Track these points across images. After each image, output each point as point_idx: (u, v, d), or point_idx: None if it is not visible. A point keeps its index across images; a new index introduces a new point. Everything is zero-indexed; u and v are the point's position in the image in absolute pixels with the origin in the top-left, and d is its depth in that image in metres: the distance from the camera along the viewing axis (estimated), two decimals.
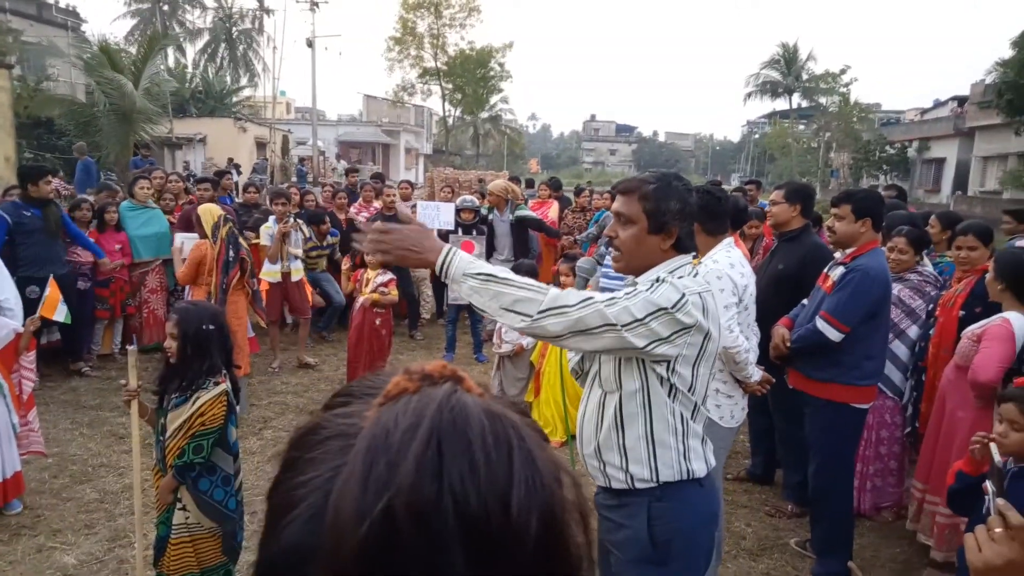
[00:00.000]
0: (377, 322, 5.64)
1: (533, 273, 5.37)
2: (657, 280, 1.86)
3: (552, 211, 9.36)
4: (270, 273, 6.32)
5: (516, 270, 5.38)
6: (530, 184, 11.05)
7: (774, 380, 3.18)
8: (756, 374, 3.04)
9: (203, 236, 4.99)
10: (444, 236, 7.02)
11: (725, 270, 2.92)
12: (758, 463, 4.53)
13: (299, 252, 6.48)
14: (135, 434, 2.70)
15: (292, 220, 6.45)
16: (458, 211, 7.08)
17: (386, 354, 5.87)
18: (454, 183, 20.52)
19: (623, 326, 1.73)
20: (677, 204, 1.91)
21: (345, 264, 6.14)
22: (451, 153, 51.73)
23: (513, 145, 65.30)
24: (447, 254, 1.73)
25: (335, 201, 8.42)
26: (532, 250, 8.43)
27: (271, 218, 6.51)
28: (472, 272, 1.72)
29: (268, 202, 7.11)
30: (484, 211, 7.47)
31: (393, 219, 1.98)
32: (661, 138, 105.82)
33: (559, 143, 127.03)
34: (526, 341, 5.28)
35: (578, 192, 9.84)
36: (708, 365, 1.89)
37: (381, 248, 1.73)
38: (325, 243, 7.21)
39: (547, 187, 9.95)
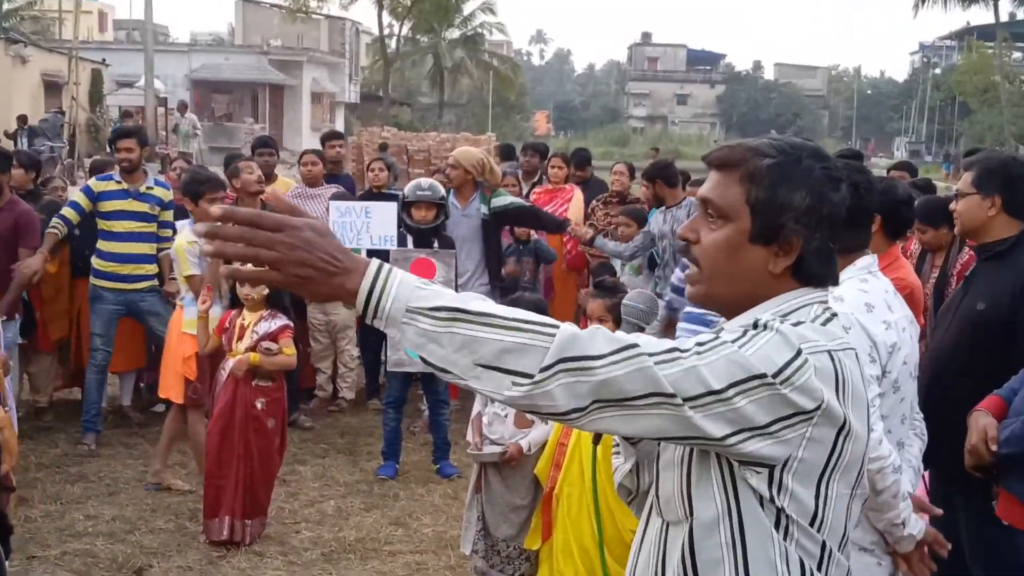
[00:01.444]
0: (259, 404, 5.70)
1: (541, 311, 5.42)
2: (756, 326, 1.89)
3: (574, 207, 9.51)
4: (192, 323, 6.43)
5: (513, 305, 5.42)
6: (535, 152, 11.14)
7: (949, 545, 3.10)
8: (916, 524, 2.97)
9: None
10: (382, 256, 7.09)
11: (857, 316, 2.95)
12: None
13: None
14: None
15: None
16: (407, 207, 7.15)
17: (274, 465, 5.90)
18: (399, 156, 20.90)
19: (687, 400, 1.75)
20: (808, 198, 1.95)
21: (203, 299, 6.16)
22: (396, 102, 52.32)
23: (504, 87, 65.87)
24: (378, 275, 1.74)
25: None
26: (524, 272, 8.61)
27: (185, 224, 6.78)
28: (425, 307, 1.72)
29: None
30: (453, 203, 7.63)
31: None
32: (768, 75, 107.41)
33: (586, 83, 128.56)
34: (528, 437, 5.31)
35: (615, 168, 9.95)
36: (848, 480, 1.91)
37: (266, 259, 1.71)
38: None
39: (562, 161, 10.17)
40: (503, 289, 7.82)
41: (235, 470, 5.62)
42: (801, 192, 1.95)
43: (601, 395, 1.73)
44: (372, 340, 8.71)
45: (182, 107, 30.54)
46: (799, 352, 1.81)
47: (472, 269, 7.64)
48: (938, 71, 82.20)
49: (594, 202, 9.73)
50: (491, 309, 1.75)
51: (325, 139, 10.14)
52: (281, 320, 5.83)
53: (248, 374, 5.67)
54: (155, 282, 7.50)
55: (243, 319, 5.82)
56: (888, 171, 9.50)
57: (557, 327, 1.75)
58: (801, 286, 1.99)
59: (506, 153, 12.75)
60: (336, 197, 8.08)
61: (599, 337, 1.76)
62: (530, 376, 1.71)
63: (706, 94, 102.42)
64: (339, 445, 7.78)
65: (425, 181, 7.40)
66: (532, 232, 8.65)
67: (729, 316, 2.03)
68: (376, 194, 8.75)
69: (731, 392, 1.76)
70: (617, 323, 5.06)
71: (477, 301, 1.76)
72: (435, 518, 6.35)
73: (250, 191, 7.27)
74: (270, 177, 8.69)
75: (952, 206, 4.27)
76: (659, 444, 2.04)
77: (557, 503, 4.92)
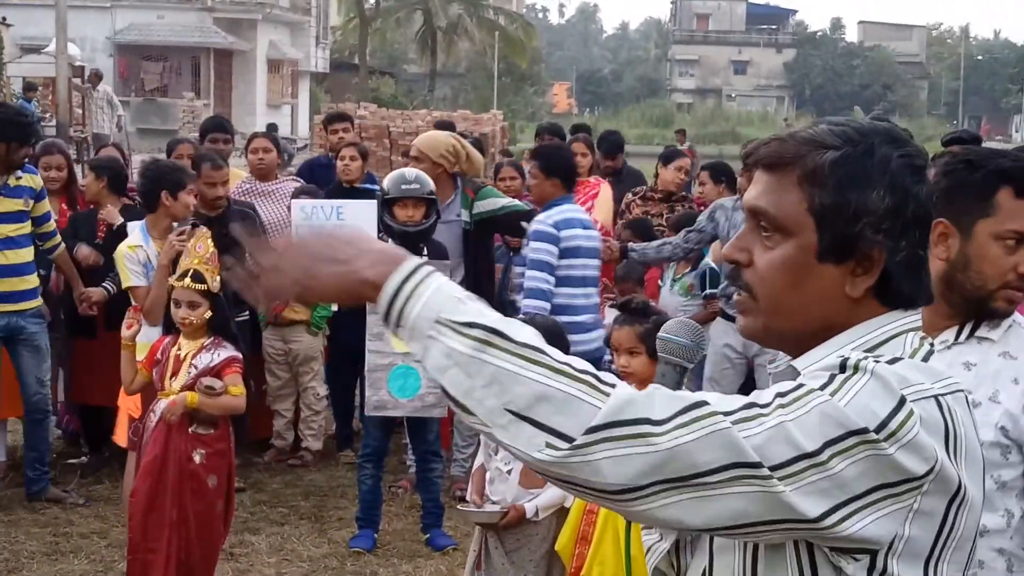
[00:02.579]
0: (197, 458, 5.70)
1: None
2: (843, 368, 1.88)
3: (601, 205, 9.54)
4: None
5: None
6: (553, 135, 11.14)
7: None
8: None
9: None
10: None
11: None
12: None
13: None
14: None
15: (189, 226, 6.83)
16: (388, 205, 7.19)
17: (217, 535, 5.89)
18: (379, 140, 20.89)
19: (775, 469, 1.74)
20: (887, 197, 1.95)
21: (128, 322, 6.20)
22: (375, 72, 52.49)
23: (513, 53, 66.09)
24: (413, 273, 1.79)
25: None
26: (507, 286, 8.60)
27: (136, 226, 6.98)
28: (458, 321, 1.74)
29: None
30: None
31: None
32: (851, 36, 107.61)
33: (618, 48, 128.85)
34: (536, 500, 5.32)
35: (668, 158, 9.93)
36: (960, 561, 1.90)
37: (274, 267, 1.86)
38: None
39: (586, 147, 10.24)
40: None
41: (166, 541, 5.58)
42: (878, 190, 1.94)
43: (665, 471, 1.72)
44: (343, 375, 8.75)
45: (94, 77, 30.53)
46: (903, 401, 1.80)
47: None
48: None
49: (629, 195, 9.83)
50: (541, 344, 1.75)
51: (328, 122, 10.21)
52: (227, 351, 5.83)
53: (184, 419, 5.66)
54: (39, 301, 7.62)
55: (179, 349, 5.83)
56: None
57: (615, 385, 1.74)
58: (888, 309, 1.99)
59: (609, 145, 12.05)
60: (300, 193, 8.11)
61: (658, 397, 1.75)
62: (570, 439, 1.69)
63: (771, 60, 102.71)
64: (302, 509, 7.78)
65: (410, 172, 7.43)
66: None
67: (796, 353, 2.02)
68: (348, 190, 8.81)
69: (827, 453, 1.75)
70: (651, 355, 5.08)
71: (527, 330, 1.77)
72: None
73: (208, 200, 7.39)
74: None
75: None
76: (715, 543, 2.04)
77: None
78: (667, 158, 9.90)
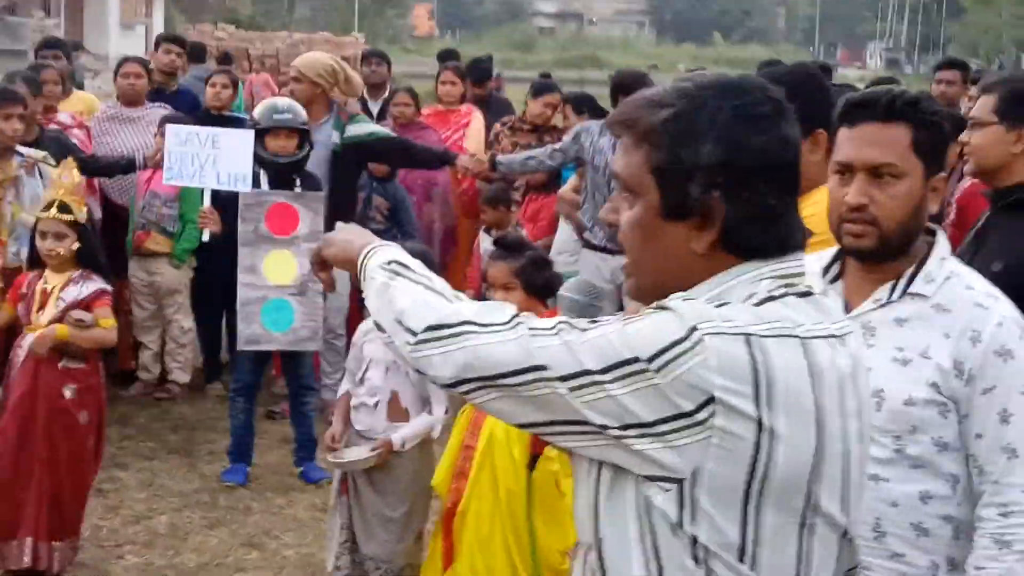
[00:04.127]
0: (67, 393, 5.63)
1: (427, 263, 5.50)
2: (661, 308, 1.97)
3: (473, 133, 9.58)
4: None
5: None
6: (384, 61, 11.22)
7: None
8: None
9: None
10: (231, 201, 7.14)
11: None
12: None
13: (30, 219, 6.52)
14: None
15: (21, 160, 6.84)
16: (259, 135, 7.11)
17: (88, 472, 5.84)
18: (238, 64, 20.48)
19: (563, 379, 1.87)
20: (717, 150, 1.96)
21: None
22: None
23: None
24: (372, 244, 2.28)
25: None
26: (404, 222, 8.68)
27: None
28: (385, 261, 2.18)
29: None
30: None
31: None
32: None
33: None
34: (402, 431, 5.35)
35: (537, 91, 9.87)
36: (791, 507, 1.91)
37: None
38: None
39: (455, 75, 10.19)
40: None
41: (37, 480, 5.51)
42: (708, 145, 1.95)
43: (477, 369, 1.93)
44: (210, 308, 8.69)
45: None
46: (689, 333, 1.83)
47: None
48: None
49: (498, 126, 9.75)
50: (429, 272, 2.15)
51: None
52: (96, 283, 5.72)
53: (53, 354, 5.56)
54: None
55: (45, 283, 5.69)
56: (875, 81, 9.81)
57: (462, 298, 2.05)
58: (742, 261, 2.00)
59: (477, 73, 11.96)
60: (169, 120, 7.92)
61: (498, 309, 1.97)
62: (414, 333, 2.00)
63: None
64: (171, 443, 7.73)
65: (282, 101, 7.39)
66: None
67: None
68: (216, 117, 8.66)
69: (609, 376, 1.85)
70: (526, 291, 5.10)
71: (417, 263, 2.20)
72: (299, 535, 6.39)
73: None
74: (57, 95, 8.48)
75: (964, 137, 4.32)
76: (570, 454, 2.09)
77: (462, 522, 4.96)
78: (537, 91, 9.80)
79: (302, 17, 57.26)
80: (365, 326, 5.76)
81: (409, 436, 5.36)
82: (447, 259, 9.34)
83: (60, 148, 7.30)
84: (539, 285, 5.09)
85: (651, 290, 2.04)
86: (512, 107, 11.49)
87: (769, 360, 1.86)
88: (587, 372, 1.84)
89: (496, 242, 5.45)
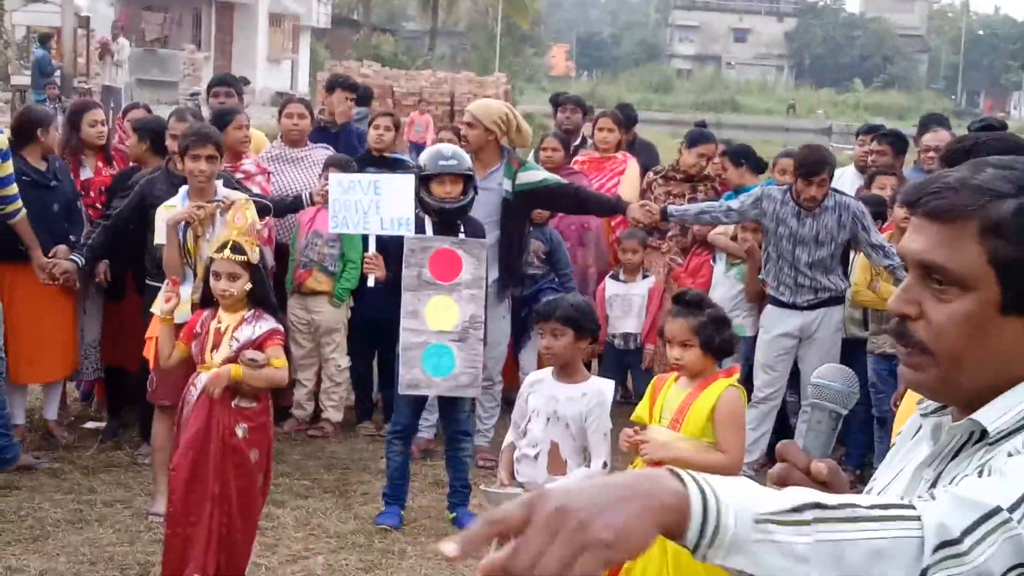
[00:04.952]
0: (240, 432, 5.71)
1: (588, 317, 5.60)
2: None
3: (627, 181, 9.53)
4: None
5: (551, 308, 5.58)
6: (577, 107, 11.12)
7: None
8: None
9: None
10: (393, 245, 7.20)
11: None
12: None
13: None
14: None
15: (220, 199, 6.91)
16: (424, 181, 7.14)
17: (257, 510, 5.92)
18: (382, 100, 20.70)
19: None
20: None
21: (167, 294, 6.14)
22: (376, 28, 52.19)
23: (515, 12, 65.81)
24: (694, 478, 1.62)
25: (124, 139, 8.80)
26: (560, 266, 8.74)
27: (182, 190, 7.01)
28: (779, 511, 1.62)
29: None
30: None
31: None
32: (852, 7, 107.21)
33: (618, 11, 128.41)
34: (560, 483, 5.29)
35: (693, 142, 9.79)
36: None
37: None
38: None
39: (613, 122, 10.18)
40: (520, 298, 8.01)
41: (208, 516, 5.59)
42: None
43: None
44: (365, 348, 8.81)
45: (117, 29, 30.47)
46: None
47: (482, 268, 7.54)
48: None
49: (651, 174, 9.71)
50: (844, 497, 1.69)
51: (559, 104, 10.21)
52: (268, 323, 5.81)
53: (226, 393, 5.65)
54: None
55: (219, 322, 5.80)
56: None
57: (912, 507, 1.69)
58: None
59: (629, 118, 11.94)
60: (332, 163, 8.05)
61: (947, 504, 1.69)
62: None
63: (771, 29, 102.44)
64: (326, 482, 7.79)
65: (447, 148, 7.41)
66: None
67: (968, 409, 1.98)
68: (377, 159, 8.77)
69: None
70: (704, 348, 5.08)
71: (812, 490, 1.69)
72: None
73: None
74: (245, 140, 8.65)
75: None
76: None
77: None
78: (692, 141, 9.71)
79: (441, 55, 57.82)
80: (532, 378, 5.78)
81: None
82: None
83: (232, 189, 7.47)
84: (717, 344, 5.08)
85: (962, 386, 1.98)
86: (655, 150, 11.44)
87: None
88: None
89: (676, 299, 5.43)
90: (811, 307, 7.97)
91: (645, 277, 8.90)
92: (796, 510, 1.60)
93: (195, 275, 6.75)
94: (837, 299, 8.06)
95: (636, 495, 1.56)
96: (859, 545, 1.63)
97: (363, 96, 12.63)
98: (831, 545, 1.61)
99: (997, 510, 1.68)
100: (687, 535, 1.56)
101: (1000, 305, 1.93)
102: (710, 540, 1.57)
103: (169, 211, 6.90)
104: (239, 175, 8.11)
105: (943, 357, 1.97)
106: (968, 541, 1.64)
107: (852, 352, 7.89)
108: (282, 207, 8.21)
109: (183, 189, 6.96)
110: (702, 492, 1.58)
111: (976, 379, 1.97)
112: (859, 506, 1.66)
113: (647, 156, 10.71)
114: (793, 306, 8.03)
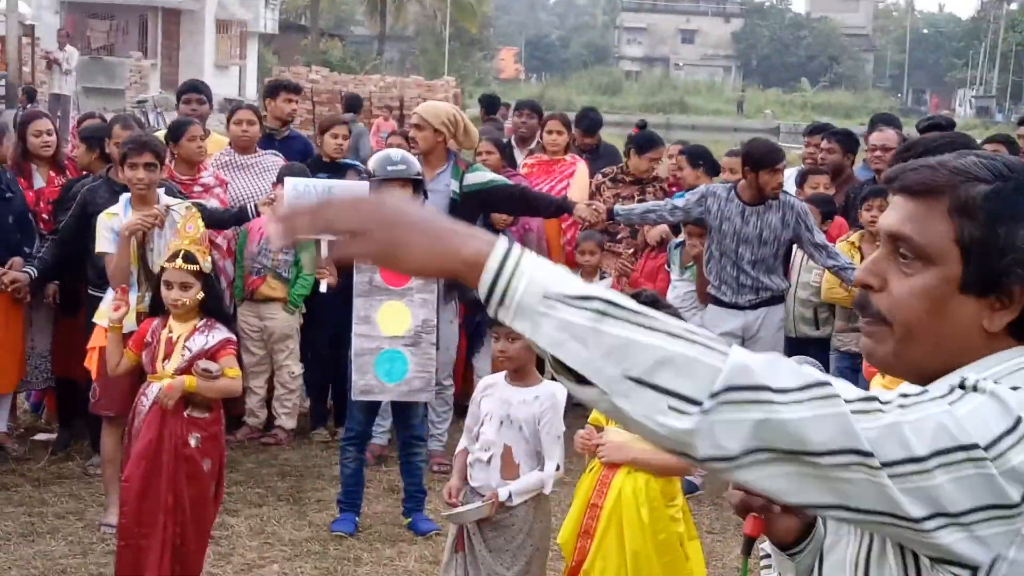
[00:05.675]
0: (192, 442, 5.68)
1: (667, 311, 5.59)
2: (963, 385, 1.89)
3: (577, 184, 9.57)
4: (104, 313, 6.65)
5: None
6: (533, 112, 11.20)
7: None
8: None
9: None
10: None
11: None
12: None
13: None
14: None
15: (162, 207, 6.92)
16: (377, 185, 7.14)
17: (209, 519, 5.90)
18: (330, 105, 20.67)
19: (886, 465, 1.76)
20: None
21: (117, 303, 6.09)
22: (324, 33, 52.03)
23: (463, 16, 65.75)
24: (510, 251, 1.75)
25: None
26: None
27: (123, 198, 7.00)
28: (569, 295, 1.73)
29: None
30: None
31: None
32: (798, 7, 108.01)
33: (565, 13, 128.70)
34: (512, 486, 5.33)
35: (642, 148, 9.80)
36: None
37: (345, 225, 1.75)
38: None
39: (562, 125, 10.17)
40: (464, 302, 7.96)
41: (161, 527, 5.56)
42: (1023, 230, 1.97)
43: (775, 441, 1.72)
44: (317, 353, 8.78)
45: (63, 37, 30.16)
46: (1018, 422, 1.81)
47: None
48: (1013, 6, 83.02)
49: (599, 176, 9.68)
50: (648, 310, 1.75)
51: (273, 92, 10.03)
52: (221, 332, 5.79)
53: (179, 403, 5.62)
54: None
55: (170, 331, 5.77)
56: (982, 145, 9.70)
57: (729, 345, 1.76)
58: (1018, 344, 2.01)
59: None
60: (289, 172, 8.02)
61: (782, 367, 1.75)
62: (698, 403, 1.69)
63: (719, 30, 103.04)
64: (279, 490, 7.77)
65: (396, 153, 7.41)
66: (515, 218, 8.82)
67: (921, 383, 2.02)
68: (328, 164, 8.78)
69: (933, 462, 1.76)
70: None
71: (627, 298, 1.77)
72: None
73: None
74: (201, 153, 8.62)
75: None
76: (824, 544, 2.05)
77: None
78: (641, 147, 9.70)
79: (390, 59, 57.71)
80: (485, 382, 5.78)
81: (518, 490, 5.34)
82: None
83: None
84: None
85: (915, 360, 2.04)
86: (620, 155, 11.55)
87: None
88: (914, 459, 1.76)
89: (632, 298, 5.44)
90: (752, 307, 8.01)
91: (603, 278, 8.91)
92: (584, 299, 1.72)
93: (139, 283, 6.75)
94: (778, 298, 8.12)
95: (444, 239, 1.75)
96: (650, 350, 1.71)
97: (353, 103, 12.59)
98: (614, 339, 1.71)
99: (825, 383, 1.76)
100: (479, 289, 1.73)
101: (960, 283, 1.98)
102: (499, 300, 1.72)
103: (112, 219, 6.87)
104: (198, 188, 8.11)
105: (899, 328, 2.01)
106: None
107: (800, 351, 7.95)
108: (227, 217, 8.08)
109: (124, 197, 6.93)
110: (505, 257, 1.74)
111: (929, 356, 2.02)
112: (658, 318, 1.75)
113: (611, 161, 10.66)
114: (735, 306, 8.06)
